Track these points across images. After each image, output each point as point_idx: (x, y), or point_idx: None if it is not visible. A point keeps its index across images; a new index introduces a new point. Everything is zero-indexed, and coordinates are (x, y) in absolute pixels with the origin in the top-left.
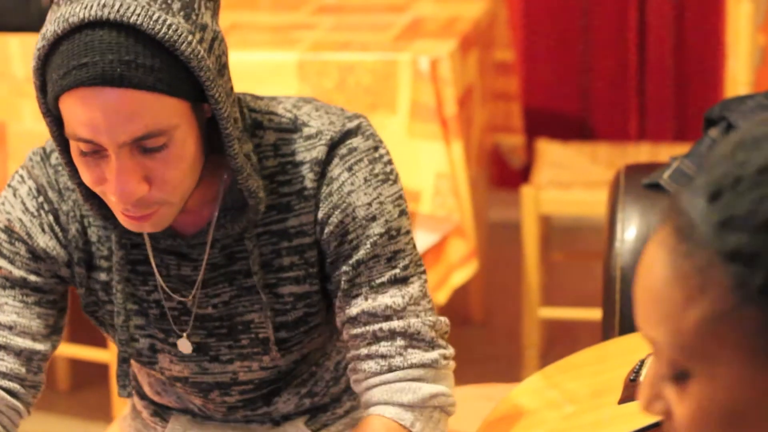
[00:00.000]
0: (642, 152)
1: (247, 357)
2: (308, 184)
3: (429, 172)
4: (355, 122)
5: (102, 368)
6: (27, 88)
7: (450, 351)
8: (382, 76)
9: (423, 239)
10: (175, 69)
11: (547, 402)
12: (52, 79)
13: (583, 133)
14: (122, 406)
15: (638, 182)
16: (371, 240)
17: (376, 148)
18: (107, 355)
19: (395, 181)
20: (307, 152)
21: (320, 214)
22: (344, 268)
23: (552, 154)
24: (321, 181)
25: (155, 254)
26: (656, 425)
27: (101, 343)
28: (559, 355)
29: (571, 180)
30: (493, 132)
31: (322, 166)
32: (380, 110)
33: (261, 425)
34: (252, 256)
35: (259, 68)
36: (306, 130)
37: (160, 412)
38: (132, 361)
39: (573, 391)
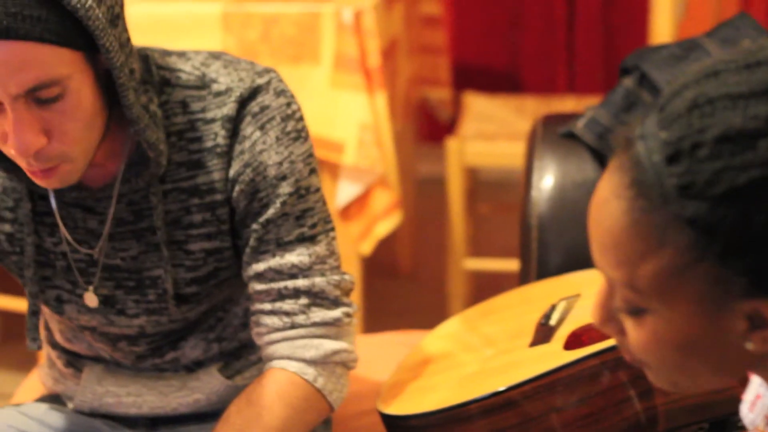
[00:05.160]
0: (568, 104)
1: (154, 312)
2: (220, 141)
3: (353, 123)
4: (265, 78)
5: None
6: None
7: (353, 308)
8: (305, 27)
9: (347, 190)
10: (63, 19)
11: (463, 345)
12: None
13: (511, 86)
14: None
15: (555, 132)
16: (281, 199)
17: (288, 105)
18: None
19: (306, 139)
20: (218, 109)
21: (231, 172)
22: (253, 225)
23: (479, 106)
24: (233, 139)
25: (62, 206)
26: (568, 367)
27: None
28: None
29: (497, 132)
30: (420, 85)
31: (234, 124)
32: (304, 62)
33: (174, 373)
34: (156, 211)
35: (182, 20)
36: (215, 87)
37: (73, 361)
38: (43, 308)
39: (488, 335)
